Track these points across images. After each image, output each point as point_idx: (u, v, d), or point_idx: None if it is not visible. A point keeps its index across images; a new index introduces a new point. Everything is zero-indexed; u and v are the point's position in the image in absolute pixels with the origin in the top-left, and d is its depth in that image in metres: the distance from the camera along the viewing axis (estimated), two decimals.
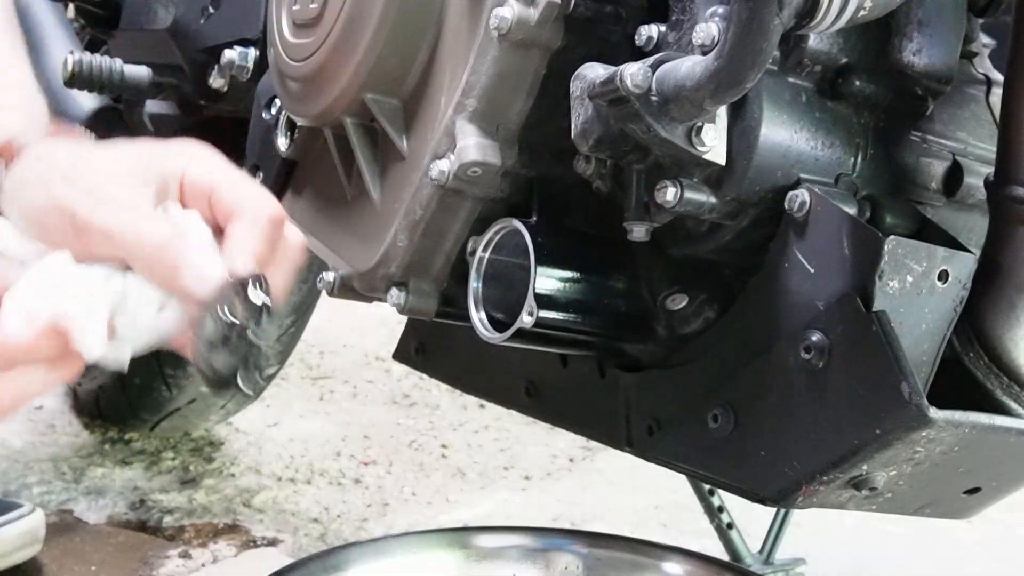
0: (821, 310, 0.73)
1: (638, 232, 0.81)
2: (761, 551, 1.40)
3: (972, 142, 0.83)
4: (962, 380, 0.76)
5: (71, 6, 1.46)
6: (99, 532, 1.57)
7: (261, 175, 1.09)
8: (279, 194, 1.08)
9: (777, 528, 1.39)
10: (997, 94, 0.83)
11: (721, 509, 1.39)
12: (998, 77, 0.85)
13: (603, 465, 1.94)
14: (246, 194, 0.72)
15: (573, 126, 0.78)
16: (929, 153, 0.82)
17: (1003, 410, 0.76)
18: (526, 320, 0.81)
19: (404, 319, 1.07)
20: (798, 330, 0.74)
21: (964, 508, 0.84)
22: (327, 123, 0.96)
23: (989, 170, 0.79)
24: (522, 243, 0.83)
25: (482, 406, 2.16)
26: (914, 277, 0.71)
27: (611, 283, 0.86)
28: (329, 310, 1.92)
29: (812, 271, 0.74)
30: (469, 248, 0.89)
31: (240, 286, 0.67)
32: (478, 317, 0.86)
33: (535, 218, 0.87)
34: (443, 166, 0.85)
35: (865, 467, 0.73)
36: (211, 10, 1.22)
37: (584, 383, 0.93)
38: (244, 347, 0.67)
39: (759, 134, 0.75)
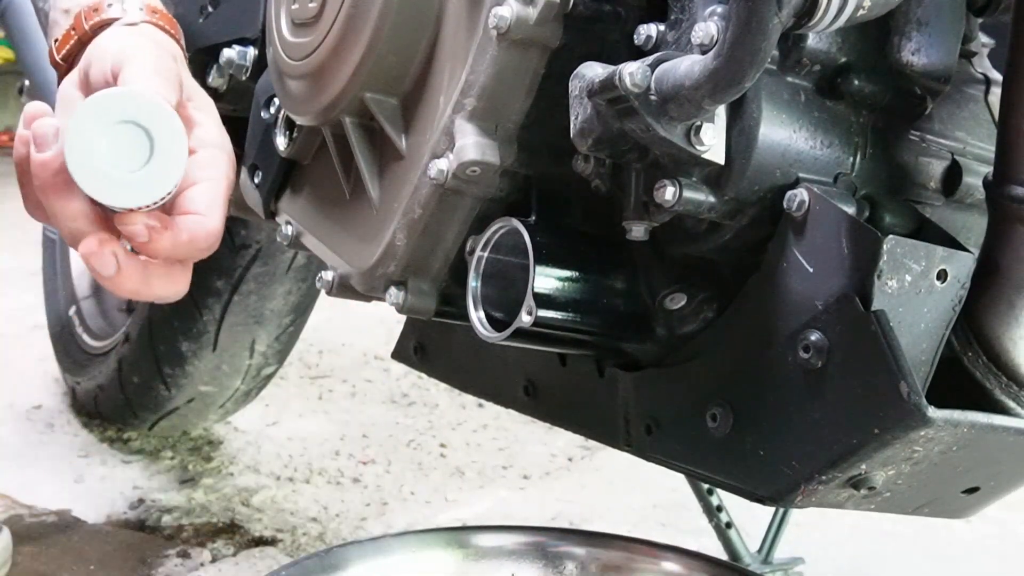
0: (820, 309, 0.73)
1: (637, 231, 0.81)
2: (760, 550, 1.40)
3: (971, 141, 0.83)
4: (961, 379, 0.76)
5: None
6: (98, 531, 1.57)
7: (260, 174, 1.09)
8: (278, 193, 1.08)
9: (776, 527, 1.39)
10: (996, 93, 0.83)
11: (720, 508, 1.39)
12: (997, 76, 0.85)
13: (601, 464, 1.95)
14: None
15: (572, 125, 0.78)
16: (928, 152, 0.82)
17: (1002, 409, 0.76)
18: (525, 319, 0.81)
19: (403, 318, 1.07)
20: (797, 329, 0.74)
21: (963, 508, 0.84)
22: (326, 122, 0.96)
23: (988, 169, 0.78)
24: (521, 242, 0.83)
25: (481, 405, 2.16)
26: (913, 276, 0.71)
27: (610, 282, 0.86)
28: (328, 309, 1.92)
29: (811, 270, 0.74)
30: (468, 247, 0.89)
31: None
32: (477, 316, 0.86)
33: (534, 217, 0.87)
34: (442, 165, 0.85)
35: (864, 466, 0.73)
36: (210, 9, 1.22)
37: (583, 382, 0.93)
38: None
39: (758, 133, 0.75)
